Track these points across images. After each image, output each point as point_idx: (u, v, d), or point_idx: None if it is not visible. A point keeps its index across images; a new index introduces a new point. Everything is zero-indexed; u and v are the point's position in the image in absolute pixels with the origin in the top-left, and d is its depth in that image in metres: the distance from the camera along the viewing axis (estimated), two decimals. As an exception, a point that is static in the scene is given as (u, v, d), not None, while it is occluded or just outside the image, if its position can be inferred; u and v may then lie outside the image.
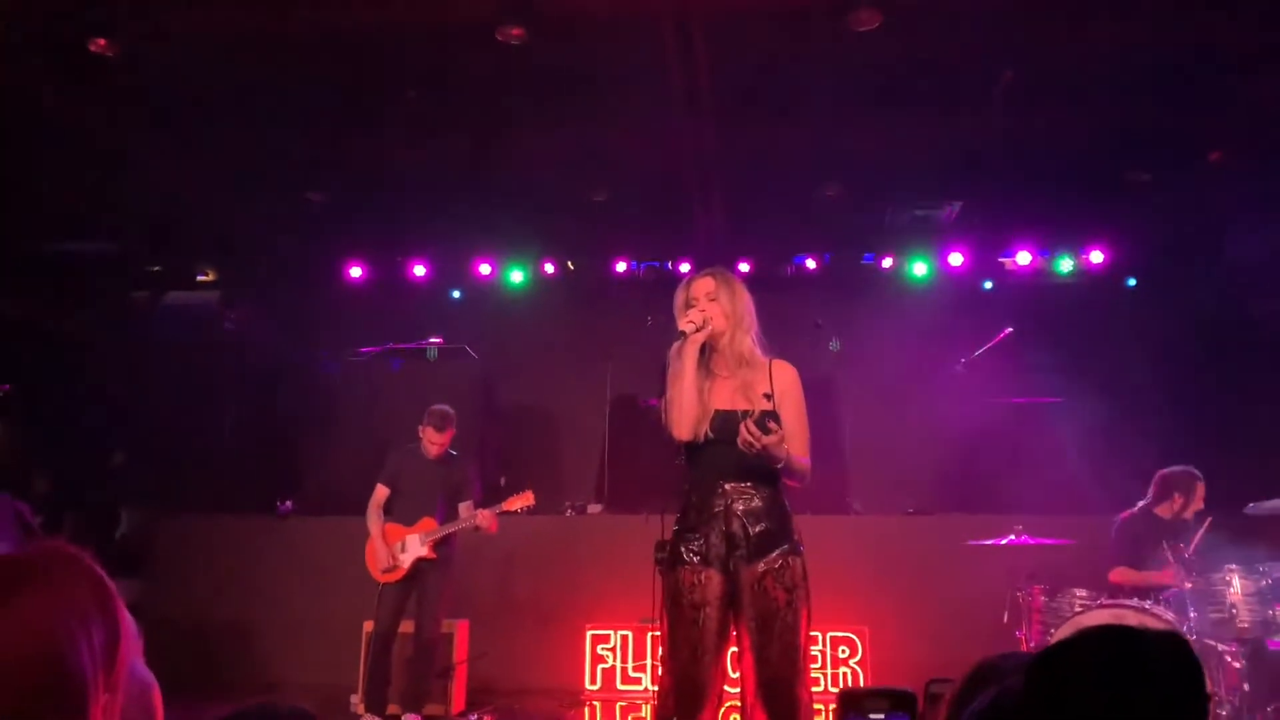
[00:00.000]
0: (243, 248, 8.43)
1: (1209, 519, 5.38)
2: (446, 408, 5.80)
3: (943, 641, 6.27)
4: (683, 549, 3.18)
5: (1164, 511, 5.54)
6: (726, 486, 3.18)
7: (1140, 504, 5.65)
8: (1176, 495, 5.52)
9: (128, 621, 1.21)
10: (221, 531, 7.42)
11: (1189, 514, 5.49)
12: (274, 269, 8.62)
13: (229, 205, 7.74)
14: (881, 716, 1.39)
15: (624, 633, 6.58)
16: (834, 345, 7.56)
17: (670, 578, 3.18)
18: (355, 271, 8.92)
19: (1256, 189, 7.13)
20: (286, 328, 8.74)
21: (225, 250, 8.62)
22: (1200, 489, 5.52)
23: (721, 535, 3.15)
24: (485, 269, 8.84)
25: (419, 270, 8.85)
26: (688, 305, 3.32)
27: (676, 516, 3.27)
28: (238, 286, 8.81)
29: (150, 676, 1.31)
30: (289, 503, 7.49)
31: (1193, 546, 5.21)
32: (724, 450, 3.17)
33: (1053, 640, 4.54)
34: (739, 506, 3.16)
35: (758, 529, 3.15)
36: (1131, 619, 4.79)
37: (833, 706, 6.10)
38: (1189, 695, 0.84)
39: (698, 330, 3.23)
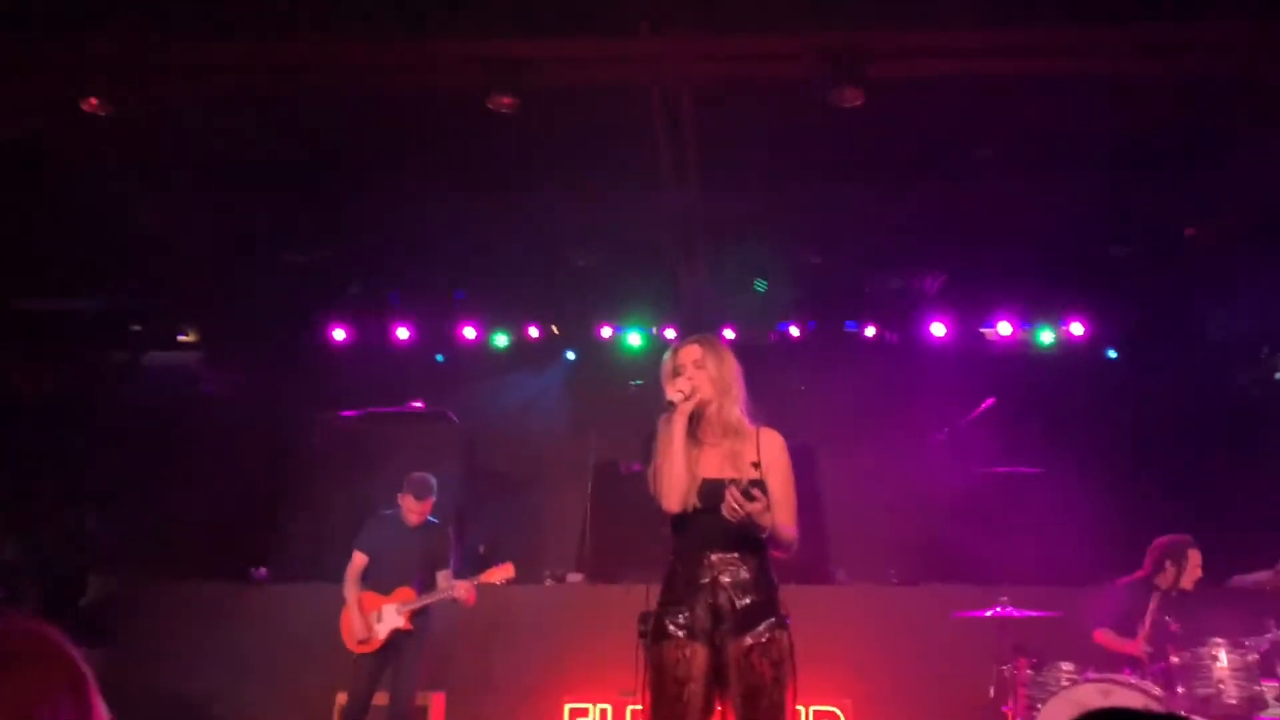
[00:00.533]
0: (225, 309, 8.43)
1: (1159, 592, 5.37)
2: (427, 476, 5.76)
3: (927, 716, 6.19)
4: (667, 623, 3.14)
5: (1162, 582, 5.52)
6: (713, 558, 3.15)
7: (1140, 573, 5.65)
8: (1168, 564, 5.50)
9: (100, 708, 1.16)
10: (193, 598, 7.26)
11: (1187, 584, 5.46)
12: (256, 331, 8.60)
13: (212, 265, 7.76)
14: None
15: (603, 706, 6.46)
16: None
17: (654, 652, 3.13)
18: (338, 334, 8.90)
19: (1233, 263, 7.27)
20: (267, 390, 8.68)
21: (207, 311, 8.61)
22: (1194, 556, 5.49)
23: (707, 608, 3.11)
24: (469, 332, 8.84)
25: (402, 333, 8.83)
26: (675, 373, 3.32)
27: (660, 588, 3.23)
28: (219, 348, 8.78)
29: None
30: (263, 569, 7.37)
31: (1148, 621, 5.19)
32: (711, 520, 3.15)
33: (1039, 715, 4.48)
34: (725, 579, 3.13)
35: (744, 602, 3.11)
36: (1120, 694, 4.75)
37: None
38: None
39: (686, 399, 3.22)
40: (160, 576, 7.38)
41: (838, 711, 6.35)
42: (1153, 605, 5.30)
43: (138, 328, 8.71)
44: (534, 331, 8.89)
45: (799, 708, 5.96)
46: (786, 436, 3.37)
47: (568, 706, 6.48)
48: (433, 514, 5.79)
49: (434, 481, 5.75)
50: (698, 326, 8.97)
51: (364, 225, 7.42)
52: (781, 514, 3.17)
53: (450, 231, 7.43)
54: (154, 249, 7.44)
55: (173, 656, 7.02)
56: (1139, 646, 5.18)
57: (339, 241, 7.65)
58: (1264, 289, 7.31)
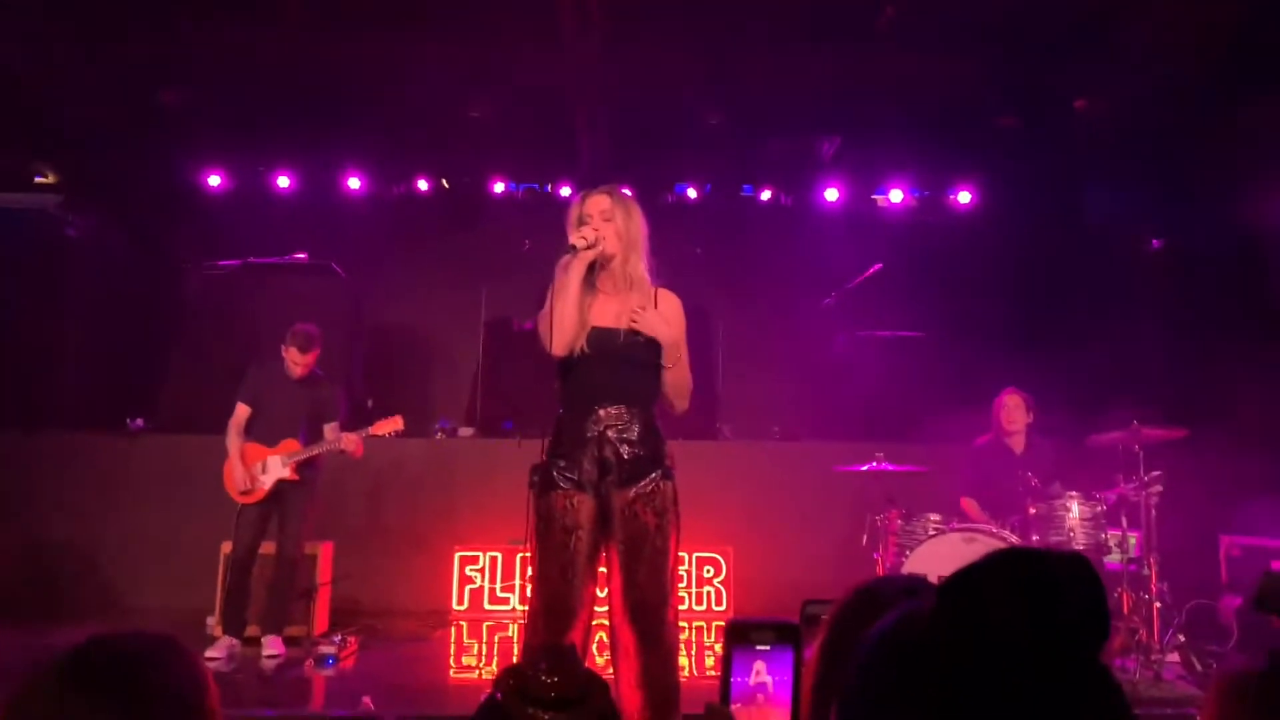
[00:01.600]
0: (88, 149, 7.83)
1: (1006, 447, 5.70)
2: (311, 327, 5.58)
3: (803, 562, 6.53)
4: (555, 474, 3.17)
5: (1005, 437, 5.88)
6: (600, 412, 3.16)
7: (989, 435, 5.97)
8: (994, 416, 5.88)
9: None
10: (66, 449, 7.01)
11: (1017, 428, 5.82)
12: (123, 173, 8.04)
13: (72, 100, 7.16)
14: (768, 648, 1.40)
15: (493, 554, 6.60)
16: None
17: (542, 502, 3.16)
18: (214, 180, 8.44)
19: (1119, 139, 7.46)
20: (138, 236, 8.21)
21: (68, 151, 7.98)
22: (1007, 400, 5.83)
23: (594, 460, 3.15)
24: (355, 183, 8.51)
25: (283, 181, 8.44)
26: (580, 221, 3.25)
27: (548, 440, 3.24)
28: (83, 191, 8.19)
29: None
30: (140, 420, 7.13)
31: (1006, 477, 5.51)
32: (599, 369, 3.16)
33: (907, 560, 4.75)
34: (612, 432, 3.16)
35: (630, 455, 3.16)
36: (982, 542, 5.07)
37: (698, 624, 6.27)
38: (1099, 612, 0.89)
39: (589, 247, 3.17)
40: (30, 427, 7.07)
41: (719, 558, 6.64)
42: (1006, 461, 5.68)
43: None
44: (423, 183, 8.61)
45: (682, 554, 6.22)
46: (681, 298, 3.37)
47: (458, 554, 6.59)
48: (318, 367, 5.65)
49: (319, 333, 5.58)
50: (594, 184, 8.90)
51: (243, 66, 6.92)
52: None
53: (335, 75, 7.00)
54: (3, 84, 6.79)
55: (46, 508, 6.81)
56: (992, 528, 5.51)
57: (214, 83, 7.12)
58: (1147, 165, 7.55)
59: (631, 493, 3.14)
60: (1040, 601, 0.85)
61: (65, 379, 7.45)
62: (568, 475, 3.14)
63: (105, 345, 7.68)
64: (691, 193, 8.87)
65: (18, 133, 7.61)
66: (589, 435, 3.15)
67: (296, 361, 5.52)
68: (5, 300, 7.43)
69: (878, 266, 7.30)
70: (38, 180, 8.23)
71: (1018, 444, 5.87)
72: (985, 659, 0.86)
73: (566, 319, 3.15)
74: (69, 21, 6.26)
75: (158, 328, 7.80)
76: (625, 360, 3.20)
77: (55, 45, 6.52)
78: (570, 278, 3.15)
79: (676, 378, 3.23)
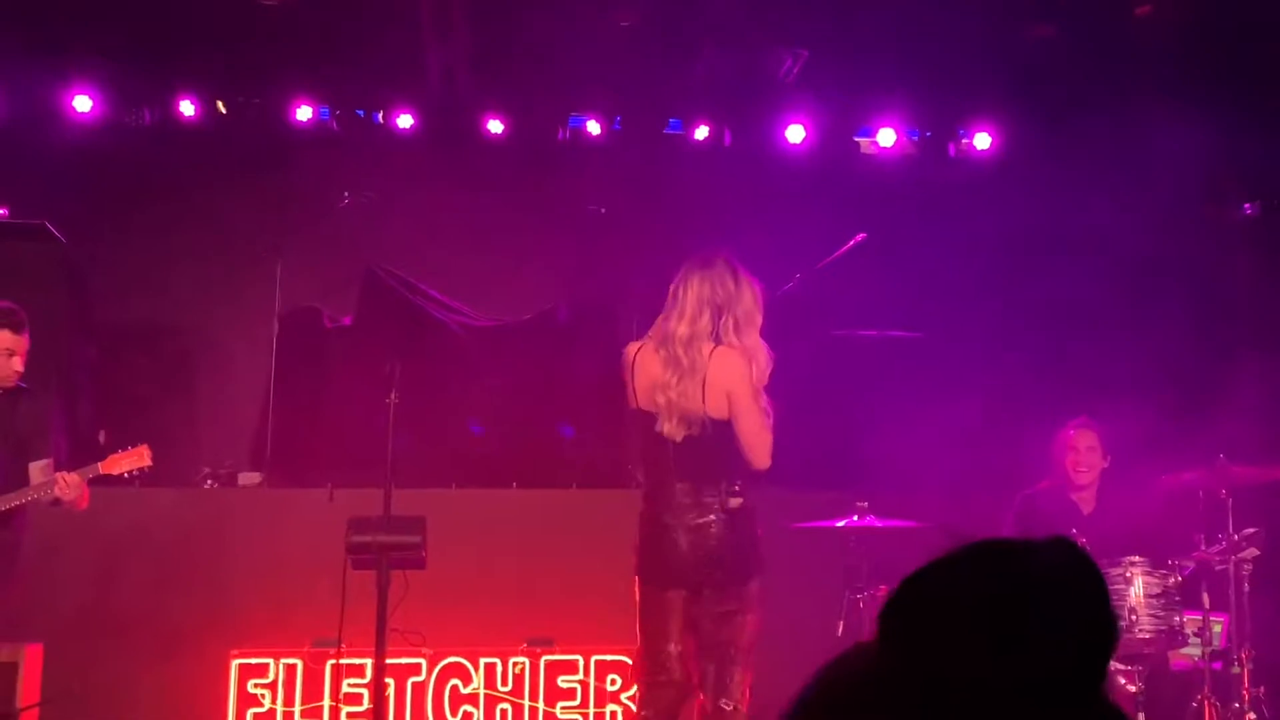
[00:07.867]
0: None
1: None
2: (11, 306, 5.57)
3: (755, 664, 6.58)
4: None
5: (1074, 492, 6.12)
6: None
7: (1043, 483, 6.17)
8: (1056, 459, 6.12)
9: None
10: None
11: (1090, 478, 6.06)
12: None
13: None
14: None
15: (290, 662, 6.56)
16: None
17: None
18: None
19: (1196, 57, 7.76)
20: None
21: None
22: (1073, 439, 6.09)
23: None
24: (84, 104, 8.39)
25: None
26: None
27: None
28: None
29: None
30: None
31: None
32: None
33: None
34: None
35: None
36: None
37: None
38: (1098, 618, 0.86)
39: None
40: None
41: (629, 662, 6.62)
42: (1068, 520, 5.85)
43: None
44: (188, 106, 8.53)
45: (576, 658, 6.23)
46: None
47: (236, 663, 6.53)
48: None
49: (23, 317, 5.56)
50: (449, 112, 8.90)
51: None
52: None
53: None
54: None
55: None
56: None
57: None
58: (1241, 98, 7.83)
59: None
60: (1013, 616, 0.84)
61: None
62: None
63: None
64: (593, 127, 8.91)
65: None
66: None
67: (12, 349, 5.48)
68: None
69: (860, 238, 7.42)
70: None
71: (1087, 500, 6.09)
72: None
73: None
74: None
75: None
76: None
77: None
78: None
79: None
